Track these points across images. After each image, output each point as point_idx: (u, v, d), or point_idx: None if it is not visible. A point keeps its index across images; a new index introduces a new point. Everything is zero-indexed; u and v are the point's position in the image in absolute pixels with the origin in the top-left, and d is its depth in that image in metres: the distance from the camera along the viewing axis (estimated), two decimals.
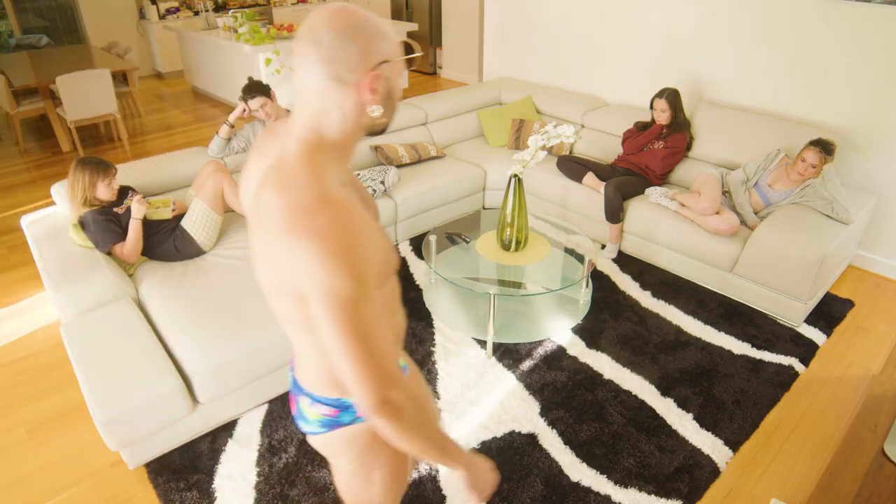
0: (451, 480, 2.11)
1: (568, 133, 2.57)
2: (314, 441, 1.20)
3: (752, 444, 2.29)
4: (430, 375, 2.60)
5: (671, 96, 3.37)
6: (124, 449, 2.09)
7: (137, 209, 2.62)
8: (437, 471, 2.15)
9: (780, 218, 2.94)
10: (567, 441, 2.27)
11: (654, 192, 3.37)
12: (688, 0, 3.74)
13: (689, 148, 3.60)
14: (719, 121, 3.57)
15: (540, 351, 2.75)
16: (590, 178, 3.50)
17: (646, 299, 3.13)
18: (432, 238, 3.02)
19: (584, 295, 3.07)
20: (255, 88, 3.14)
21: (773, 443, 2.29)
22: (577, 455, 2.21)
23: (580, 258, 2.90)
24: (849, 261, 3.38)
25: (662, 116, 3.40)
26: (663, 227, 3.22)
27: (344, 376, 0.90)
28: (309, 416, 1.15)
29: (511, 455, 2.21)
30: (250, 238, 0.99)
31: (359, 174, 3.38)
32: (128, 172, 3.00)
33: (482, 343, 2.81)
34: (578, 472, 2.15)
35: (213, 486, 2.11)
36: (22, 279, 3.42)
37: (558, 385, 2.55)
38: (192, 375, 2.14)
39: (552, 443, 2.26)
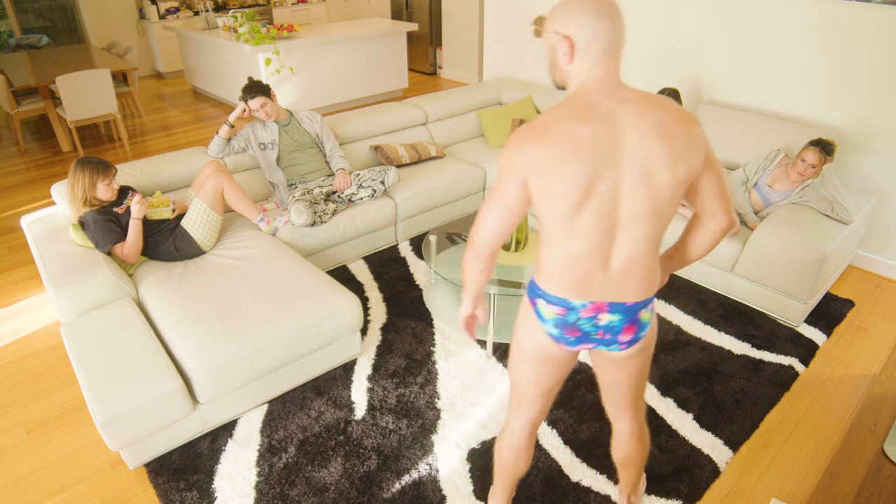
0: (450, 480, 2.11)
1: None
2: (638, 345, 1.48)
3: (752, 444, 2.29)
4: (430, 375, 2.60)
5: (671, 96, 3.37)
6: (124, 449, 2.09)
7: (137, 209, 2.62)
8: (437, 470, 2.15)
9: (780, 218, 2.94)
10: (567, 441, 2.27)
11: None
12: (688, 0, 3.74)
13: None
14: (719, 121, 3.57)
15: None
16: None
17: None
18: (432, 238, 3.02)
19: None
20: (256, 88, 3.14)
21: (773, 443, 2.29)
22: (577, 455, 2.21)
23: None
24: (849, 261, 3.38)
25: None
26: None
27: (721, 206, 1.37)
28: (647, 318, 1.45)
29: None
30: (626, 168, 1.25)
31: (358, 174, 3.38)
32: (128, 172, 3.00)
33: (482, 343, 2.81)
34: (578, 472, 2.15)
35: (213, 486, 2.11)
36: (22, 279, 3.42)
37: None
38: (192, 375, 2.14)
39: (552, 443, 2.26)
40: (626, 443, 1.75)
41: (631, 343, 1.46)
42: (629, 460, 1.79)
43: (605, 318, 1.40)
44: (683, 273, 3.27)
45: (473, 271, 1.47)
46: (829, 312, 3.04)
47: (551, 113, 1.25)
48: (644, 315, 1.44)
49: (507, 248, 2.82)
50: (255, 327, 2.29)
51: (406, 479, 2.12)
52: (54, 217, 2.89)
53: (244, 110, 3.17)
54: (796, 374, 2.62)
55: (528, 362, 1.55)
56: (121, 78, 5.89)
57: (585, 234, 1.30)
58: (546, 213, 1.30)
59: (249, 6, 8.22)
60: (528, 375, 1.58)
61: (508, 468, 1.75)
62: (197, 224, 2.78)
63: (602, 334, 1.43)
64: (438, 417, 2.38)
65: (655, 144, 1.22)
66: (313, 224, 3.09)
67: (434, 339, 2.82)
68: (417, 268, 3.41)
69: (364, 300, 3.13)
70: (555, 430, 2.32)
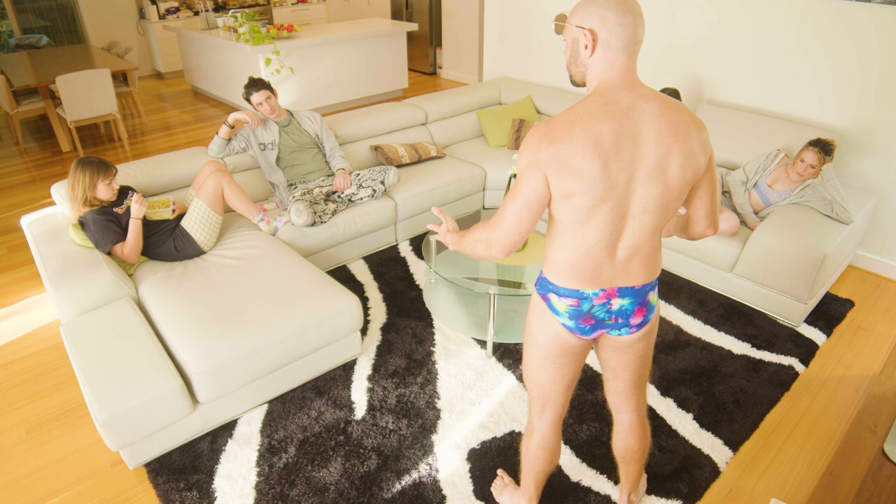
0: (450, 480, 2.11)
1: None
2: (645, 329, 1.53)
3: (752, 444, 2.29)
4: (430, 375, 2.60)
5: (671, 95, 3.36)
6: (124, 449, 2.09)
7: (137, 209, 2.62)
8: (437, 471, 2.15)
9: (780, 218, 2.94)
10: (567, 441, 2.27)
11: None
12: (688, 0, 3.74)
13: None
14: (719, 121, 3.57)
15: None
16: None
17: None
18: (432, 238, 3.02)
19: None
20: (259, 83, 3.16)
21: (773, 443, 2.29)
22: (577, 455, 2.21)
23: None
24: (849, 261, 3.38)
25: None
26: None
27: (709, 221, 1.50)
28: (654, 301, 1.52)
29: (511, 455, 2.21)
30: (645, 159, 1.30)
31: (358, 174, 3.38)
32: (128, 172, 3.00)
33: (482, 343, 2.81)
34: (578, 472, 2.15)
35: (213, 486, 2.11)
36: (22, 279, 3.42)
37: None
38: (192, 375, 2.14)
39: None
40: (626, 435, 1.77)
41: (640, 326, 1.52)
42: (629, 454, 1.81)
43: (617, 303, 1.45)
44: (683, 273, 3.28)
45: (474, 254, 1.55)
46: (829, 312, 3.04)
47: (574, 111, 1.27)
48: (652, 297, 1.50)
49: None
50: (255, 327, 2.29)
51: (406, 479, 2.12)
52: (54, 217, 2.89)
53: (246, 122, 3.18)
54: (796, 374, 2.62)
55: (547, 358, 1.57)
56: (121, 78, 5.89)
57: (599, 225, 1.33)
58: (563, 208, 1.32)
59: (249, 6, 8.22)
60: (549, 372, 1.59)
61: (544, 468, 1.78)
62: (197, 224, 2.78)
63: (615, 319, 1.48)
64: (438, 417, 2.38)
65: (670, 143, 1.29)
66: (313, 224, 3.09)
67: (434, 339, 2.82)
68: (417, 268, 3.41)
69: (364, 300, 3.13)
70: None
